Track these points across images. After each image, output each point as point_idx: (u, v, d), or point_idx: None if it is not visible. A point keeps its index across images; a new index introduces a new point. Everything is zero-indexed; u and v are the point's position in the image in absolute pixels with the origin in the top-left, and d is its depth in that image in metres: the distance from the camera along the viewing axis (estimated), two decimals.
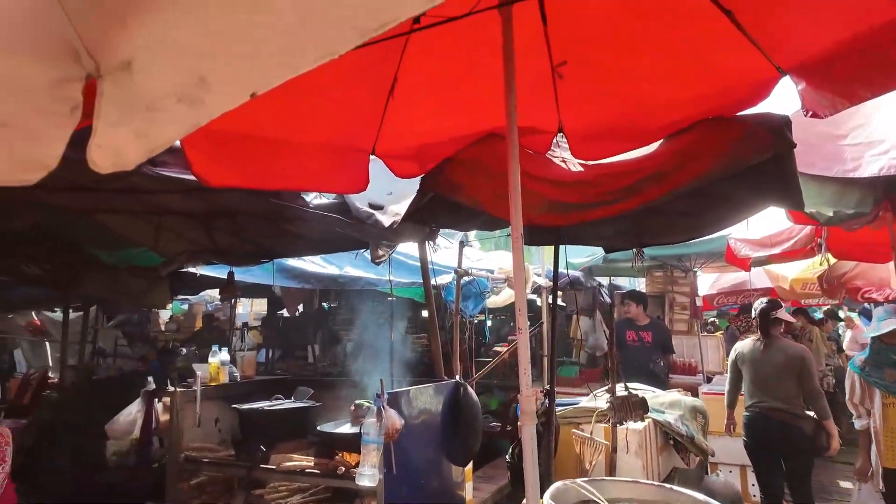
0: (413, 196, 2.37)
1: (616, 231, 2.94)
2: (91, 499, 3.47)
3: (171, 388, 3.18)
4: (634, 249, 3.55)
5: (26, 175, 0.69)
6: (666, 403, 3.67)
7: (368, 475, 2.41)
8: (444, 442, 3.09)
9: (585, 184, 1.88)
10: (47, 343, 7.97)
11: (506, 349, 4.04)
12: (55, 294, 4.82)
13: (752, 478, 5.38)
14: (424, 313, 9.56)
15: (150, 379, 3.30)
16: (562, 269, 3.31)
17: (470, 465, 3.82)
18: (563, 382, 6.44)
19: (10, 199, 2.44)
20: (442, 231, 3.83)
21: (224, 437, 3.49)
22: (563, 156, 2.30)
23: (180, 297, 9.14)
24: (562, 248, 3.40)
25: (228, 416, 3.49)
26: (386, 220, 2.39)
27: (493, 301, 5.88)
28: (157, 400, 3.33)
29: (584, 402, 3.43)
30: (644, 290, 7.17)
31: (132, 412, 3.23)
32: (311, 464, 2.76)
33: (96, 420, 3.60)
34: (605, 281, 8.14)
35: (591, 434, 2.90)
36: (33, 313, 7.62)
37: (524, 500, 3.11)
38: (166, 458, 3.26)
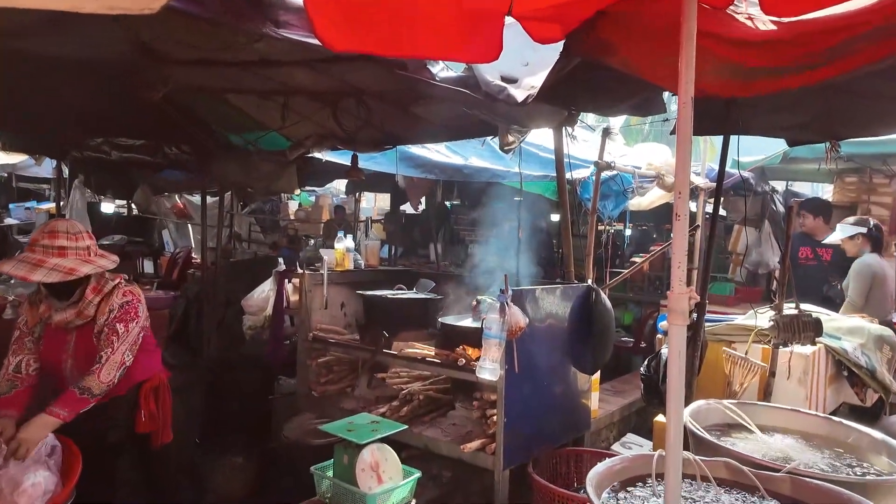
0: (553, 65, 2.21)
1: (804, 119, 2.56)
2: (230, 365, 4.06)
3: (300, 271, 3.49)
4: (827, 143, 3.09)
5: (149, 2, 0.70)
6: (844, 329, 3.35)
7: (489, 369, 2.51)
8: (572, 347, 3.12)
9: (780, 43, 1.60)
10: (189, 226, 9.14)
11: (645, 258, 3.84)
12: (194, 177, 5.41)
13: None
14: (554, 217, 9.43)
15: (281, 260, 3.64)
16: (728, 168, 3.00)
17: (597, 376, 3.85)
18: (714, 301, 6.09)
19: (143, 66, 2.67)
20: (580, 123, 3.60)
21: (349, 321, 3.84)
22: (749, 12, 1.96)
23: (308, 188, 9.86)
24: (731, 141, 3.06)
25: (353, 301, 3.82)
26: (520, 94, 2.27)
27: (637, 203, 5.57)
28: (287, 281, 3.69)
29: (741, 319, 3.22)
30: (830, 199, 6.36)
31: (265, 290, 3.63)
32: (433, 353, 2.94)
33: (234, 296, 4.13)
34: (780, 186, 7.32)
35: (745, 354, 2.74)
36: (177, 196, 8.70)
37: (656, 417, 3.10)
38: (297, 337, 3.69)
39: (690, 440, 2.37)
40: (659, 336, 3.42)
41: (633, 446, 4.15)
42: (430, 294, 3.55)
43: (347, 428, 2.42)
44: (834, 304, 5.78)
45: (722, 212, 7.72)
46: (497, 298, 2.61)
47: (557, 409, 3.04)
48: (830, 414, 3.31)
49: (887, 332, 3.71)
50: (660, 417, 3.13)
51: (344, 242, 3.66)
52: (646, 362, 3.05)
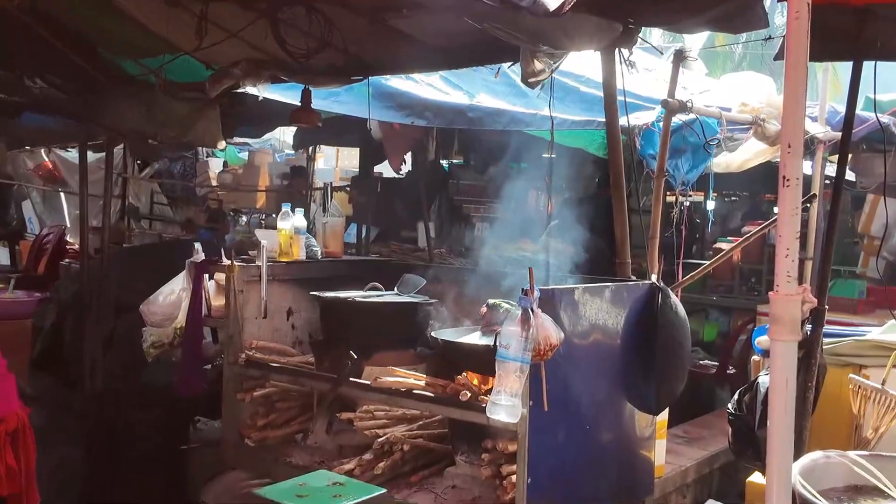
0: None
1: None
2: (124, 401, 4.07)
3: (225, 261, 3.49)
4: None
5: None
6: None
7: (506, 406, 2.52)
8: (627, 375, 3.13)
9: None
10: (62, 196, 9.11)
11: (736, 243, 3.84)
12: (69, 124, 5.37)
13: None
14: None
15: (198, 247, 3.64)
16: (859, 111, 3.02)
17: (664, 416, 3.87)
18: (837, 306, 6.14)
19: None
20: (641, 44, 3.60)
21: (300, 336, 3.84)
22: None
23: (238, 141, 9.83)
24: (865, 70, 3.07)
25: (306, 306, 3.82)
26: (552, 1, 2.26)
27: (725, 162, 5.55)
28: (208, 277, 3.69)
29: (876, 332, 3.24)
30: None
31: (175, 290, 3.63)
32: (422, 383, 2.96)
33: (130, 300, 4.13)
34: None
35: (882, 384, 2.77)
36: (44, 152, 8.67)
37: (750, 476, 3.13)
38: (222, 359, 3.69)
39: None
40: (755, 358, 3.45)
41: None
42: (419, 297, 3.56)
43: (297, 493, 2.44)
44: None
45: (850, 175, 7.80)
46: (518, 303, 2.61)
47: (605, 464, 3.06)
48: None
49: None
50: (756, 477, 3.16)
51: (291, 220, 3.67)
52: (736, 397, 3.08)
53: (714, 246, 8.25)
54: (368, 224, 8.84)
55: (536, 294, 2.62)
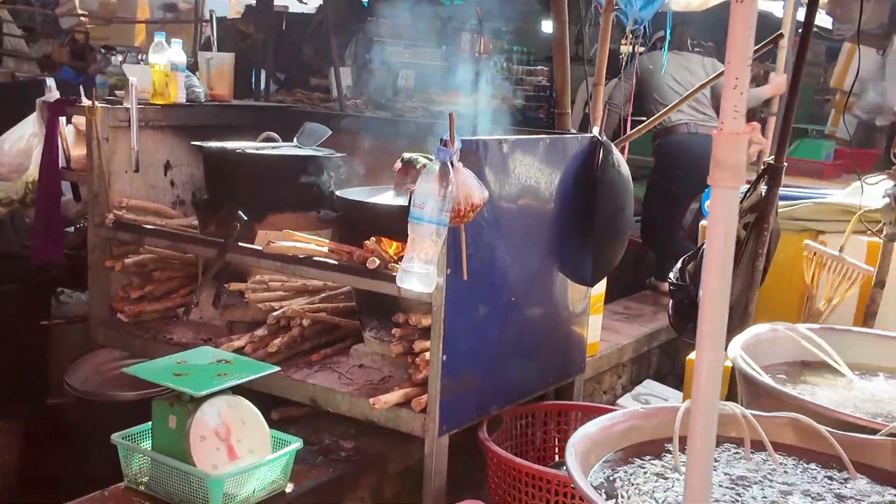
0: None
1: None
2: None
3: (86, 102, 3.31)
4: None
5: None
6: None
7: (419, 275, 2.51)
8: (561, 242, 3.15)
9: None
10: None
11: (694, 89, 3.77)
12: None
13: None
14: (546, 27, 9.24)
15: (51, 83, 3.45)
16: None
17: (601, 289, 3.95)
18: (799, 169, 6.28)
19: None
20: None
21: (181, 195, 3.74)
22: None
23: None
24: None
25: (188, 159, 3.71)
26: None
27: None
28: (66, 121, 3.51)
29: (840, 195, 3.30)
30: None
31: (24, 136, 3.44)
32: (325, 249, 2.90)
33: None
34: None
35: (840, 251, 2.83)
36: None
37: (691, 354, 3.22)
38: (85, 221, 3.56)
39: (743, 387, 2.47)
40: (704, 223, 3.48)
41: (651, 399, 4.37)
42: (323, 149, 3.46)
43: (175, 371, 2.41)
44: None
45: (826, 21, 7.80)
46: (435, 156, 2.54)
47: (532, 340, 3.11)
48: None
49: None
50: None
51: (167, 54, 3.47)
52: (678, 265, 3.12)
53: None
54: (268, 68, 8.52)
55: (457, 145, 2.56)
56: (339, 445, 2.91)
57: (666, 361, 4.75)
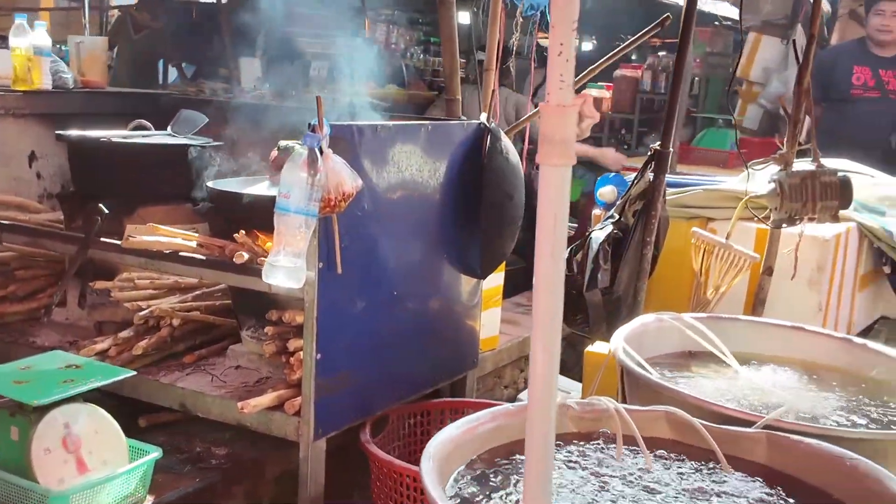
0: None
1: None
2: None
3: None
4: None
5: None
6: (893, 199, 3.50)
7: (286, 269, 2.39)
8: (448, 232, 3.06)
9: None
10: None
11: (597, 64, 3.62)
12: None
13: None
14: (464, 18, 9.17)
15: None
16: None
17: (496, 282, 3.86)
18: (706, 158, 6.32)
19: None
20: None
21: (49, 188, 3.58)
22: None
23: None
24: None
25: (56, 150, 3.51)
26: None
27: None
28: None
29: (732, 182, 3.27)
30: None
31: None
32: (194, 244, 2.76)
33: None
34: None
35: (727, 238, 2.78)
36: None
37: (590, 345, 3.15)
38: None
39: (626, 379, 2.41)
40: (596, 212, 3.42)
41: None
42: (199, 138, 3.30)
43: (16, 378, 2.26)
44: None
45: (733, 11, 7.88)
46: (303, 142, 2.42)
47: (419, 335, 3.01)
48: (862, 331, 3.53)
49: None
50: (595, 346, 3.18)
51: (29, 37, 3.27)
52: (569, 250, 3.03)
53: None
54: (170, 58, 8.27)
55: (326, 130, 2.44)
56: (211, 452, 2.76)
57: (571, 353, 4.66)
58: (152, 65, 8.24)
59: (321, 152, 2.42)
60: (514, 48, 4.23)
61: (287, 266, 2.40)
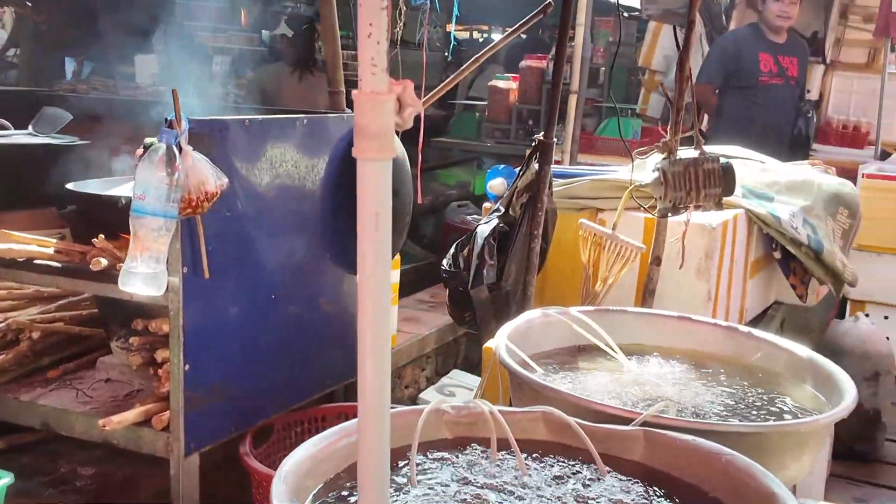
0: None
1: None
2: None
3: None
4: None
5: None
6: (781, 185, 3.50)
7: (144, 275, 2.26)
8: (331, 230, 2.95)
9: None
10: None
11: (487, 51, 3.51)
12: None
13: None
14: None
15: None
16: None
17: (396, 280, 3.76)
18: (608, 147, 6.31)
19: None
20: None
21: None
22: None
23: None
24: None
25: None
26: None
27: None
28: None
29: (623, 172, 3.22)
30: None
31: None
32: (50, 250, 2.59)
33: None
34: None
35: (613, 228, 2.72)
36: None
37: (488, 341, 3.06)
38: None
39: (510, 379, 2.33)
40: (487, 205, 3.33)
41: (458, 389, 4.22)
42: (60, 137, 3.11)
43: None
44: (806, 147, 6.22)
45: (634, 1, 7.90)
46: (158, 138, 2.28)
47: (302, 340, 2.90)
48: (753, 320, 3.53)
49: (847, 186, 3.96)
50: (493, 342, 3.11)
51: None
52: (452, 251, 2.94)
53: (490, 83, 8.24)
54: (63, 54, 7.96)
55: (185, 125, 2.31)
56: (77, 473, 2.63)
57: (475, 350, 4.60)
58: (57, 62, 7.99)
59: (180, 149, 2.29)
60: (399, 38, 4.12)
61: (146, 272, 2.27)
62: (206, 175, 2.33)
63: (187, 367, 2.40)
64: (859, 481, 4.35)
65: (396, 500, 1.66)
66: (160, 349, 2.52)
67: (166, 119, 2.30)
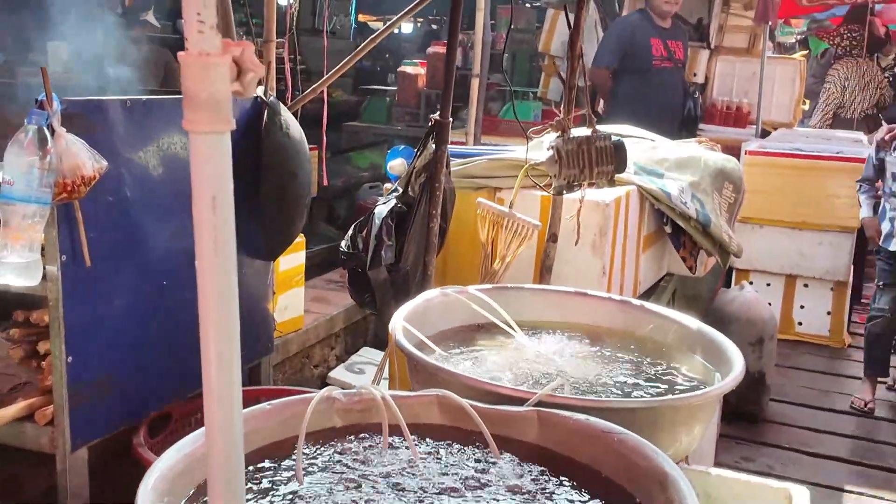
0: None
1: None
2: None
3: None
4: None
5: None
6: (671, 162, 3.43)
7: (16, 265, 2.03)
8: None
9: None
10: None
11: (378, 35, 3.30)
12: None
13: (800, 296, 5.67)
14: None
15: None
16: None
17: (301, 262, 3.58)
18: (510, 129, 6.19)
19: None
20: None
21: None
22: None
23: None
24: None
25: None
26: None
27: None
28: None
29: (516, 151, 3.08)
30: None
31: None
32: None
33: None
34: None
35: (510, 207, 2.58)
36: None
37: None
38: None
39: (407, 361, 2.16)
40: (387, 186, 3.14)
41: (367, 367, 4.05)
42: None
43: None
44: (696, 127, 6.27)
45: None
46: (27, 121, 2.04)
47: (197, 326, 2.64)
48: (645, 292, 3.45)
49: (731, 162, 3.92)
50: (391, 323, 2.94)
51: None
52: (350, 232, 2.75)
53: (399, 69, 8.08)
54: None
55: (56, 106, 2.06)
56: None
57: (384, 327, 4.44)
58: None
59: (52, 131, 2.04)
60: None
61: (18, 262, 2.03)
62: (81, 158, 2.09)
63: (70, 358, 2.16)
64: (747, 440, 4.35)
65: (281, 496, 1.48)
66: (42, 341, 2.27)
67: (36, 100, 2.06)
